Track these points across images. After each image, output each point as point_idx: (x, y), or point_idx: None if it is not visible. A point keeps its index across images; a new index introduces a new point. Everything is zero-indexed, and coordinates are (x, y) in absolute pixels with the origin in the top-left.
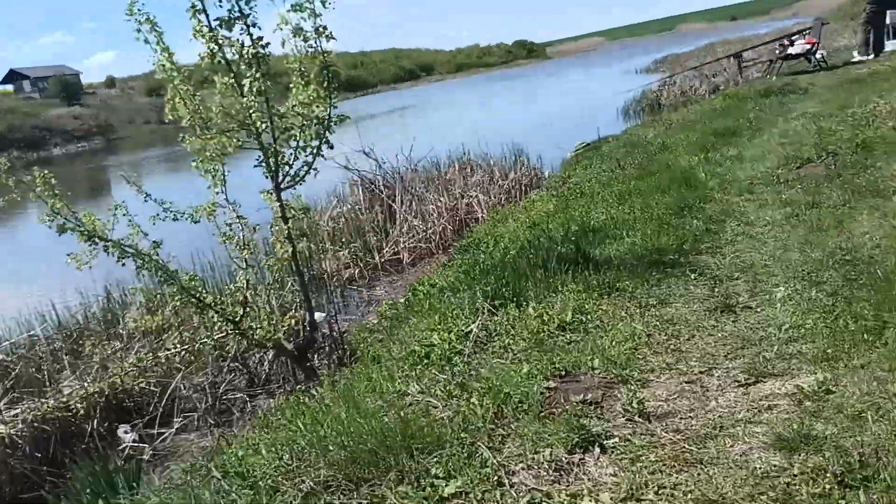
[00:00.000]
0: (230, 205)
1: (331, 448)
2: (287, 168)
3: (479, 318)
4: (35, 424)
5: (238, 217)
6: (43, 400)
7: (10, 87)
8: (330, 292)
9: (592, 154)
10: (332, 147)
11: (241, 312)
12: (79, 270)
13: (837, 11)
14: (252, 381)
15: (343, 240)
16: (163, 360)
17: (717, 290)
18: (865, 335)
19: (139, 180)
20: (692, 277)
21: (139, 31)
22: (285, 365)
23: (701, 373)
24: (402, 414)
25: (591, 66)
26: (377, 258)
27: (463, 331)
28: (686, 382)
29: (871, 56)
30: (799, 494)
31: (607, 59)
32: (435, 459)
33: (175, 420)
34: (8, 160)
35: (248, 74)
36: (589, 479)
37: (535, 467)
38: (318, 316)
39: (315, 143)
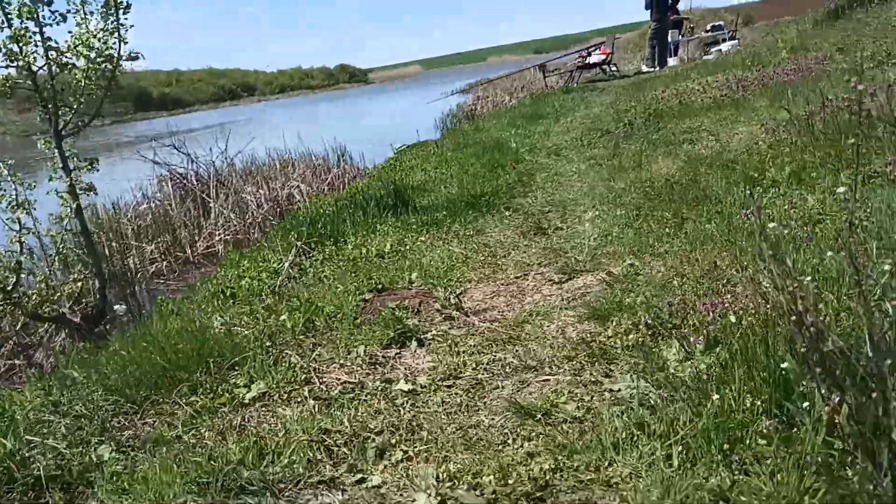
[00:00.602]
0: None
1: (110, 377)
2: (69, 112)
3: (292, 255)
4: None
5: (9, 173)
6: None
7: None
8: (134, 286)
9: (413, 148)
10: (121, 88)
11: (13, 280)
12: None
13: (627, 44)
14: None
15: (150, 235)
16: None
17: (530, 220)
18: (667, 229)
19: None
20: (507, 214)
21: None
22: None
23: (517, 278)
24: (198, 339)
25: (411, 90)
26: (189, 252)
27: (274, 269)
28: (503, 285)
29: (657, 69)
30: (614, 349)
31: (426, 84)
32: (236, 371)
33: None
34: None
35: None
36: (406, 368)
37: (349, 364)
38: (117, 308)
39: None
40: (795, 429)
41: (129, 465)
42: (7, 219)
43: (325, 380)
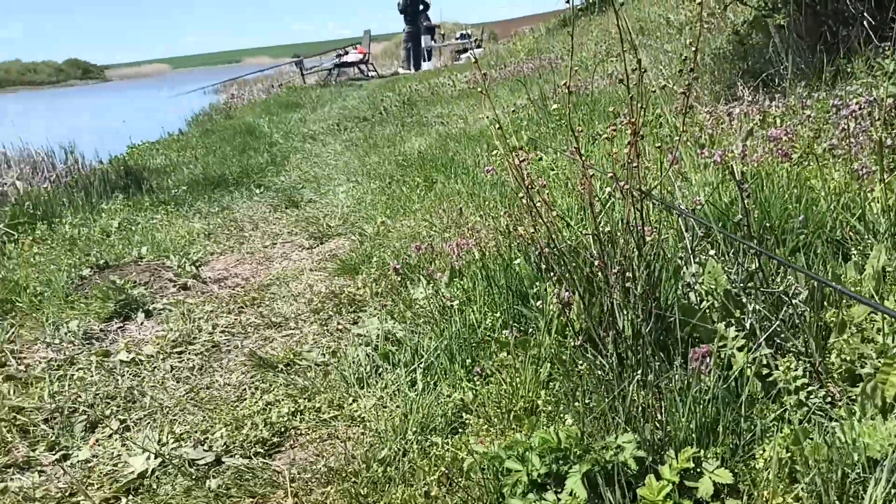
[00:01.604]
0: None
1: None
2: None
3: None
4: None
5: None
6: None
7: None
8: None
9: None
10: None
11: None
12: None
13: (384, 52)
14: None
15: None
16: None
17: (281, 195)
18: (418, 191)
19: None
20: (257, 191)
21: None
22: None
23: (264, 247)
24: None
25: (158, 88)
26: None
27: None
28: (248, 254)
29: (413, 70)
30: (363, 298)
31: (175, 83)
32: None
33: None
34: None
35: None
36: (130, 340)
37: (56, 342)
38: None
39: None
40: (532, 332)
41: None
42: None
43: (25, 360)
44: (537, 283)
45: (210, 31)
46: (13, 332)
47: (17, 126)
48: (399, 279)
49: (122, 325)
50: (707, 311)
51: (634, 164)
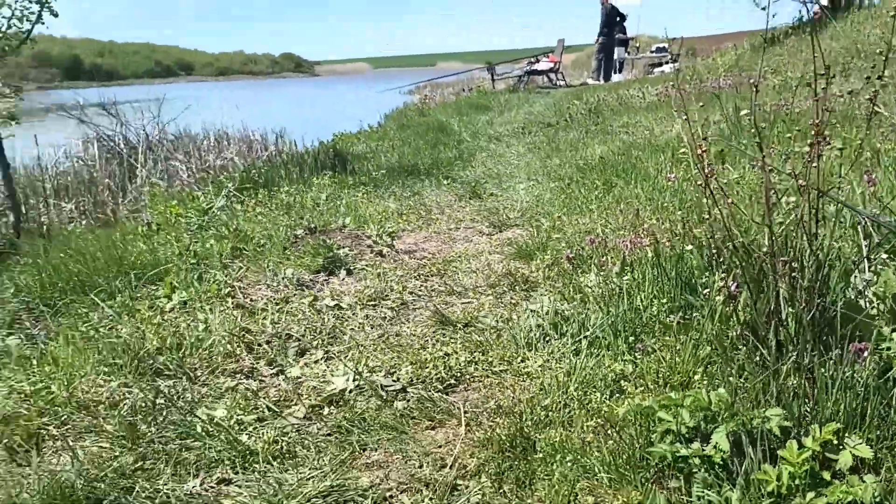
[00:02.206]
0: None
1: (21, 280)
2: None
3: (223, 196)
4: None
5: None
6: None
7: None
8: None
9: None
10: (56, 15)
11: None
12: None
13: (575, 62)
14: None
15: (70, 194)
16: None
17: (466, 187)
18: (596, 193)
19: None
20: (445, 182)
21: None
22: None
23: (449, 229)
24: (116, 253)
25: (358, 85)
26: (110, 214)
27: (203, 208)
28: (435, 234)
29: (602, 82)
30: (535, 279)
31: (373, 81)
32: (158, 286)
33: None
34: None
35: None
36: (333, 291)
37: (275, 284)
38: None
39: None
40: (695, 316)
41: (38, 353)
42: None
43: (250, 295)
44: (706, 275)
45: (408, 35)
46: (241, 273)
47: (240, 110)
48: (571, 267)
49: (327, 278)
50: (873, 314)
51: (814, 164)
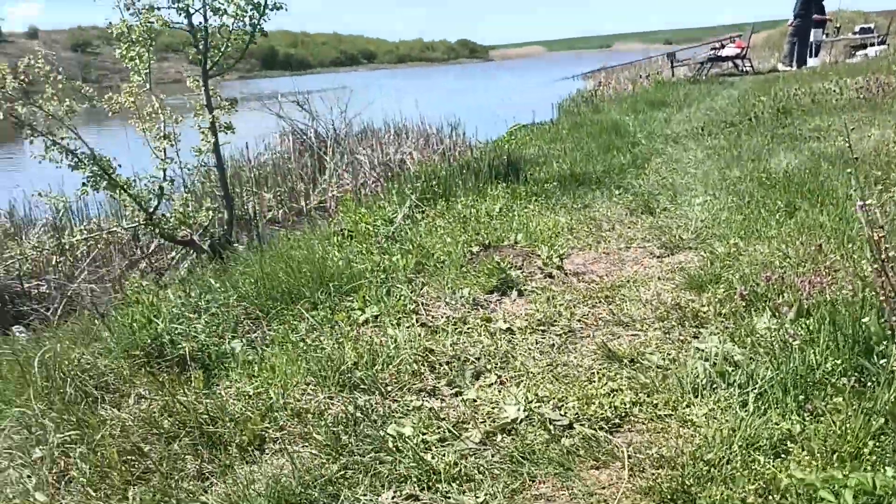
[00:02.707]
0: (154, 95)
1: (242, 288)
2: (217, 53)
3: (406, 206)
4: None
5: (160, 106)
6: None
7: None
8: (252, 228)
9: (528, 128)
10: (265, 35)
11: (154, 203)
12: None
13: (765, 42)
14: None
15: (268, 184)
16: (66, 247)
17: (638, 199)
18: (777, 217)
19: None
20: (616, 192)
21: None
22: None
23: (619, 249)
24: (318, 264)
25: (531, 71)
26: (303, 203)
27: (388, 217)
28: (604, 254)
29: (794, 68)
30: (706, 315)
31: (547, 66)
32: (352, 297)
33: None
34: None
35: None
36: (505, 312)
37: (453, 303)
38: (237, 246)
39: (249, 16)
40: (870, 385)
41: (258, 357)
42: (154, 147)
43: (431, 312)
44: (884, 342)
45: (583, 15)
46: (424, 290)
47: (419, 102)
48: (744, 305)
49: (499, 298)
50: None
51: None
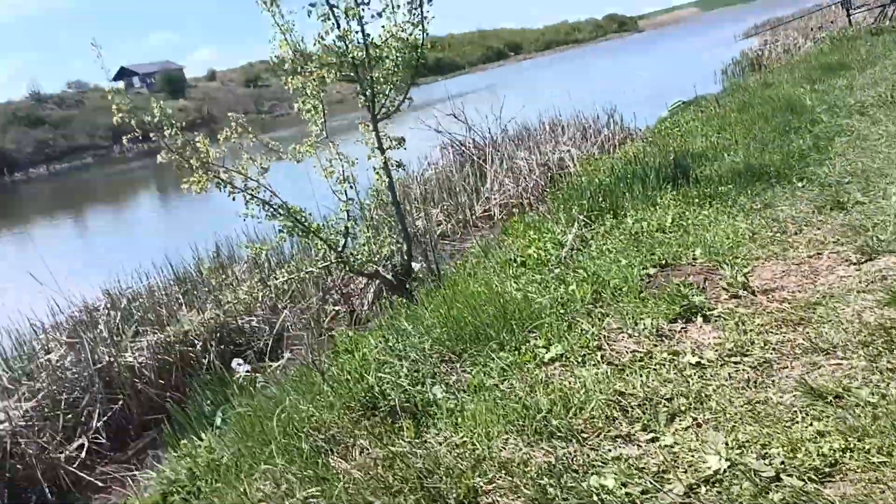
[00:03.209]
0: (330, 142)
1: (434, 332)
2: (383, 98)
3: (575, 228)
4: (158, 355)
5: (338, 154)
6: (164, 332)
7: (121, 84)
8: (425, 246)
9: (689, 107)
10: (426, 72)
11: (342, 242)
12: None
13: None
14: (354, 318)
15: (434, 199)
16: (271, 289)
17: (825, 192)
18: None
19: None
20: (799, 185)
21: None
22: (385, 298)
23: (809, 257)
24: (500, 302)
25: (686, 36)
26: (468, 215)
27: (558, 240)
28: (794, 265)
29: None
30: None
31: (703, 28)
32: (534, 334)
33: (284, 353)
34: (125, 148)
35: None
36: (692, 342)
37: (636, 335)
38: (416, 266)
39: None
40: None
41: (458, 404)
42: (336, 190)
43: (615, 347)
44: None
45: None
46: (604, 321)
47: (570, 93)
48: None
49: (684, 326)
50: None
51: None
